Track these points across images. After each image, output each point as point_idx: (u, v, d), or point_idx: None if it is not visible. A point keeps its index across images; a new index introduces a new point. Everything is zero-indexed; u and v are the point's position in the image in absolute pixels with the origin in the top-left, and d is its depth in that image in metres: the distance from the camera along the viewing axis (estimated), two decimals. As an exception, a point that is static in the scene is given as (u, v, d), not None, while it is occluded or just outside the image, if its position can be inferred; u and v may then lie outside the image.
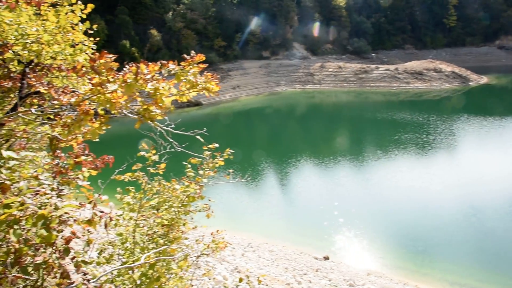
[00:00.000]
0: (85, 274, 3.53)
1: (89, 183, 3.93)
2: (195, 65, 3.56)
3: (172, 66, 3.46)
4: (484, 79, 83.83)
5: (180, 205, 6.65)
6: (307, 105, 71.02)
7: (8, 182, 2.98)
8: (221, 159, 6.78)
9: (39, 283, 3.05)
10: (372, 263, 20.90)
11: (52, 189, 3.29)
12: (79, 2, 5.97)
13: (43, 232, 2.94)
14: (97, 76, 3.10)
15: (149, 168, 6.31)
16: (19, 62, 5.28)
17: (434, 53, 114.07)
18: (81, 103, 3.33)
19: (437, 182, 30.44)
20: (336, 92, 77.33)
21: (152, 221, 6.55)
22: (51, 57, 5.82)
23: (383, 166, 35.20)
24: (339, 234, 23.31)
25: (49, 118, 4.51)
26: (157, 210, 6.72)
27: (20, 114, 4.10)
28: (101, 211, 3.77)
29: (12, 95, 5.09)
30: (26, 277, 2.93)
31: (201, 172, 6.70)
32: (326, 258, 21.17)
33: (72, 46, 6.15)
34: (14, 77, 4.99)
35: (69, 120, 3.37)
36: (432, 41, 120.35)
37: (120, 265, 5.52)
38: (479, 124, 49.42)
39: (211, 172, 6.73)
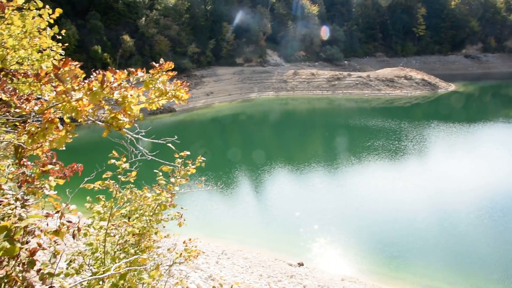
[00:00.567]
0: (51, 287, 3.43)
1: (56, 192, 3.83)
2: (164, 72, 3.51)
3: (140, 74, 3.41)
4: (452, 87, 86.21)
5: (151, 213, 6.56)
6: (280, 111, 71.39)
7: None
8: (193, 166, 6.73)
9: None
10: (347, 268, 21.05)
11: (16, 199, 3.20)
12: (47, 7, 5.83)
13: (6, 244, 2.84)
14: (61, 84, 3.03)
15: (120, 176, 6.21)
16: (-18, 67, 5.13)
17: (405, 61, 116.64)
18: (45, 111, 3.24)
19: (410, 188, 31.01)
20: (309, 98, 78.03)
21: (123, 230, 6.44)
22: (17, 63, 5.67)
23: (357, 172, 35.60)
24: (314, 240, 23.41)
25: (15, 126, 4.39)
26: (129, 218, 6.61)
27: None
28: (69, 221, 3.67)
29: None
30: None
31: (172, 180, 6.63)
32: (301, 264, 21.21)
33: (40, 51, 6.00)
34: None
35: (33, 129, 3.28)
36: (402, 49, 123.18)
37: (90, 276, 5.39)
38: (449, 130, 50.66)
39: (183, 180, 6.67)
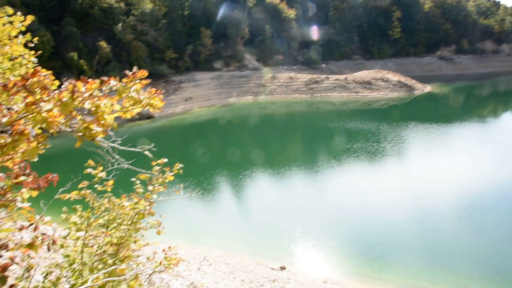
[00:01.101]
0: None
1: (29, 204, 3.75)
2: (138, 81, 3.48)
3: (113, 82, 3.37)
4: (428, 88, 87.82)
5: (129, 222, 6.48)
6: (260, 115, 71.52)
7: None
8: (171, 174, 6.68)
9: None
10: (329, 271, 21.13)
11: (-13, 213, 3.11)
12: (19, 13, 5.72)
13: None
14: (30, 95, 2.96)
15: (96, 186, 6.12)
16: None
17: (381, 63, 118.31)
18: (15, 123, 3.17)
19: (390, 189, 31.38)
20: (288, 102, 78.40)
21: (101, 240, 6.34)
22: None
23: (337, 175, 35.87)
24: (296, 243, 23.45)
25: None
26: (107, 228, 6.52)
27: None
28: (44, 233, 3.59)
29: None
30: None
31: (150, 188, 6.56)
32: (283, 268, 21.21)
33: (11, 59, 5.87)
34: None
35: (2, 141, 3.20)
36: (379, 52, 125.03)
37: (67, 288, 5.29)
38: (426, 131, 51.53)
39: (161, 187, 6.61)
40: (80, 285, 5.06)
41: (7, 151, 3.23)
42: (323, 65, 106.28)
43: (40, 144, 3.37)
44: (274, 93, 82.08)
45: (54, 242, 3.67)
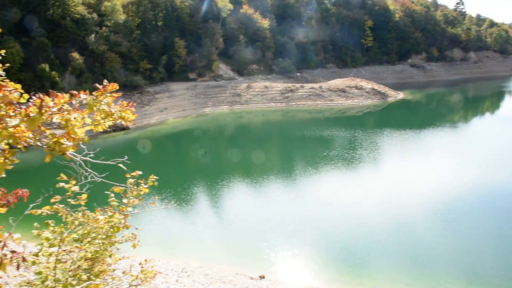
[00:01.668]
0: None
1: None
2: (108, 94, 3.44)
3: (83, 96, 3.33)
4: (400, 95, 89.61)
5: (104, 236, 6.37)
6: (235, 125, 71.56)
7: None
8: (146, 186, 6.61)
9: None
10: (309, 278, 21.15)
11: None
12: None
13: None
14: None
15: (69, 200, 6.00)
16: None
17: (355, 71, 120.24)
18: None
19: (368, 195, 31.73)
20: (263, 111, 78.72)
21: (75, 255, 6.21)
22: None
23: (315, 183, 36.03)
24: (275, 252, 23.43)
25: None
26: (81, 242, 6.39)
27: None
28: (13, 251, 3.50)
29: None
30: None
31: (125, 200, 6.47)
32: (262, 277, 21.14)
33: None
34: None
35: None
36: (352, 60, 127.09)
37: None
38: (400, 137, 52.47)
39: (136, 200, 6.53)
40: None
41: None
42: (298, 74, 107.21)
43: (7, 160, 3.29)
44: (250, 103, 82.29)
45: (24, 260, 3.58)
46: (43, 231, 6.03)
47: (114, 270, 7.02)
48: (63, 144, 3.23)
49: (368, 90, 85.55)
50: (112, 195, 6.48)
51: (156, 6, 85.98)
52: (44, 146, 3.32)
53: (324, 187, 34.70)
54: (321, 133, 56.94)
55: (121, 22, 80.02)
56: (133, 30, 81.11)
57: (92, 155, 4.44)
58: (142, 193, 6.55)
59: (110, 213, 6.37)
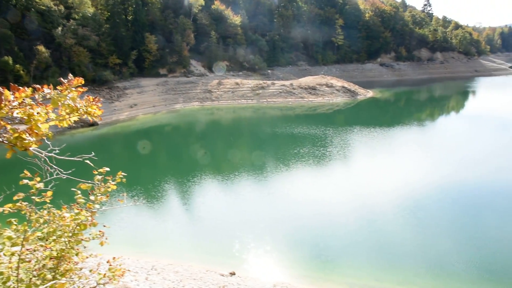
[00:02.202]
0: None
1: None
2: (74, 89, 3.35)
3: (47, 90, 3.23)
4: (370, 93, 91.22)
5: (71, 234, 6.23)
6: (206, 121, 71.21)
7: None
8: (113, 183, 6.49)
9: None
10: (280, 275, 21.27)
11: None
12: None
13: None
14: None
15: (33, 197, 5.82)
16: None
17: (325, 69, 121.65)
18: None
19: (339, 192, 32.18)
20: (234, 108, 78.65)
21: (39, 254, 6.04)
22: None
23: (285, 180, 36.20)
24: (246, 249, 23.46)
25: None
26: (46, 241, 6.22)
27: None
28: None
29: None
30: None
31: (92, 197, 6.34)
32: (233, 274, 21.15)
33: None
34: None
35: None
36: (323, 58, 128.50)
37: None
38: (370, 134, 53.34)
39: (103, 197, 6.40)
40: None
41: None
42: (269, 71, 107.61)
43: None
44: (221, 99, 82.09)
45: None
46: (5, 229, 5.83)
47: (81, 268, 6.88)
48: (25, 139, 3.13)
49: (338, 88, 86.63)
50: (79, 192, 6.33)
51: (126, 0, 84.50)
52: (5, 142, 3.21)
53: (296, 184, 34.93)
54: (292, 130, 57.28)
55: (90, 15, 78.28)
56: (102, 24, 79.47)
57: (57, 151, 4.32)
58: (109, 190, 6.43)
59: (76, 211, 6.23)
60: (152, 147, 50.08)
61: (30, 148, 3.27)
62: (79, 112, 3.41)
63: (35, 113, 3.04)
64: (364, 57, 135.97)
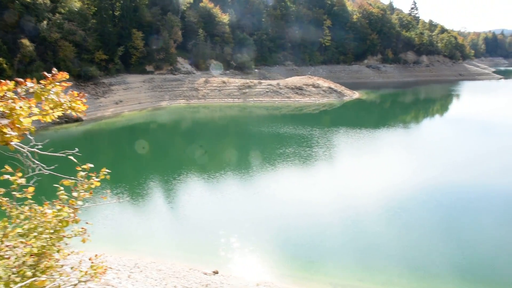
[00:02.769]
0: None
1: None
2: (58, 83, 3.30)
3: (30, 84, 3.17)
4: (356, 94, 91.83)
5: (52, 230, 6.15)
6: (192, 119, 70.95)
7: None
8: (97, 179, 6.42)
9: None
10: (263, 274, 21.27)
11: None
12: None
13: None
14: None
15: (14, 193, 5.74)
16: None
17: (312, 70, 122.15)
18: None
19: (324, 193, 32.26)
20: (220, 106, 78.52)
21: (19, 251, 5.95)
22: None
23: (271, 179, 36.23)
24: (230, 247, 23.43)
25: None
26: (26, 237, 6.13)
27: None
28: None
29: None
30: None
31: (75, 194, 6.26)
32: (216, 272, 21.10)
33: None
34: None
35: None
36: (310, 58, 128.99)
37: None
38: (356, 136, 53.70)
39: (87, 193, 6.34)
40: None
41: None
42: (256, 70, 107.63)
43: None
44: (207, 97, 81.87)
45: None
46: (-15, 225, 5.74)
47: (62, 266, 6.79)
48: (6, 134, 3.07)
49: (325, 89, 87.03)
50: (62, 188, 6.25)
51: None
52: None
53: (281, 184, 34.99)
54: (278, 130, 57.36)
55: (76, 9, 77.31)
56: (88, 19, 78.58)
57: (40, 146, 4.26)
58: (93, 186, 6.36)
59: (59, 207, 6.15)
60: (137, 144, 49.70)
61: (12, 143, 3.22)
62: (63, 107, 3.36)
63: (17, 107, 2.99)
64: (351, 59, 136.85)
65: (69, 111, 3.51)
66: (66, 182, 6.12)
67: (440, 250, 23.26)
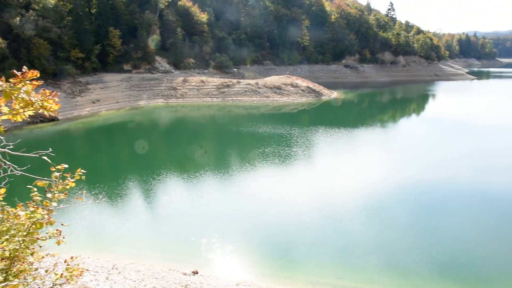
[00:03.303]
0: None
1: None
2: (28, 82, 3.19)
3: (-2, 82, 3.06)
4: (334, 94, 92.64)
5: (25, 233, 5.98)
6: (171, 119, 70.43)
7: None
8: (72, 180, 6.27)
9: None
10: (243, 273, 21.25)
11: None
12: None
13: None
14: None
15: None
16: None
17: (291, 69, 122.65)
18: None
19: (303, 192, 32.36)
20: (199, 106, 78.17)
21: (-9, 255, 5.77)
22: None
23: (250, 179, 36.20)
24: (209, 247, 23.32)
25: None
26: (-2, 241, 5.95)
27: None
28: None
29: None
30: None
31: (49, 195, 6.10)
32: (195, 272, 20.98)
33: None
34: None
35: None
36: (288, 58, 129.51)
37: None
38: (334, 135, 54.11)
39: (61, 194, 6.18)
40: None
41: None
42: (235, 69, 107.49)
43: None
44: (185, 97, 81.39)
45: None
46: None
47: (36, 269, 6.63)
48: (-27, 133, 2.96)
49: (303, 88, 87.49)
50: (35, 189, 6.09)
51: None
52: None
53: (260, 183, 35.00)
54: (257, 129, 57.38)
55: (51, 6, 75.70)
56: (64, 16, 77.12)
57: (11, 146, 4.13)
58: (68, 187, 6.21)
59: (32, 209, 5.99)
60: (114, 144, 49.05)
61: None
62: (34, 106, 3.26)
63: (-15, 106, 2.88)
64: (330, 58, 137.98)
65: (41, 110, 3.40)
66: (40, 183, 5.96)
67: (418, 247, 23.62)
